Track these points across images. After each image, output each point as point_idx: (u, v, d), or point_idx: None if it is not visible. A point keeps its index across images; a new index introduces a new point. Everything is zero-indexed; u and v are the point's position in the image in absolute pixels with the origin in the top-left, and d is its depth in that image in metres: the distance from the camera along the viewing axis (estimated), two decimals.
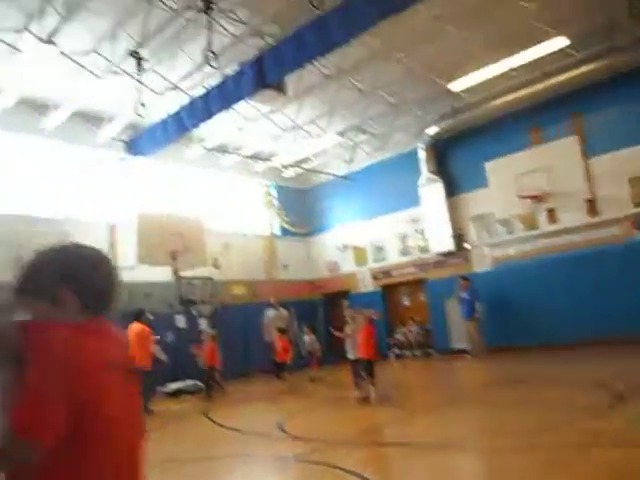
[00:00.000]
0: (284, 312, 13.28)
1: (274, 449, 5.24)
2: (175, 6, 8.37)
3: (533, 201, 11.80)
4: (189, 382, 11.71)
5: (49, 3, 8.10)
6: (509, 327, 13.03)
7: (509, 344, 12.86)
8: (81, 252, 1.52)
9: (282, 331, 11.86)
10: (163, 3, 8.44)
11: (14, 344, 1.26)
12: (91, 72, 10.21)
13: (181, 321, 13.27)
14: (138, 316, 9.08)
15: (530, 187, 11.72)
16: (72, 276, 1.48)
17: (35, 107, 11.75)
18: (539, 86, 12.27)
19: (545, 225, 13.03)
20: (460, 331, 13.67)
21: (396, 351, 15.16)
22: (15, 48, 9.31)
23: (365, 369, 7.61)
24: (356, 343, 7.84)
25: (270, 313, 13.29)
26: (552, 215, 12.82)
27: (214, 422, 7.58)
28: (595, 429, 4.67)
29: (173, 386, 11.59)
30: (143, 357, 8.38)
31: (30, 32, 8.78)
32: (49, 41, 8.20)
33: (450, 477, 4.00)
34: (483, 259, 14.21)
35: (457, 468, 4.22)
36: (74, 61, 10.04)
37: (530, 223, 13.28)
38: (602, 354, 9.93)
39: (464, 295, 13.10)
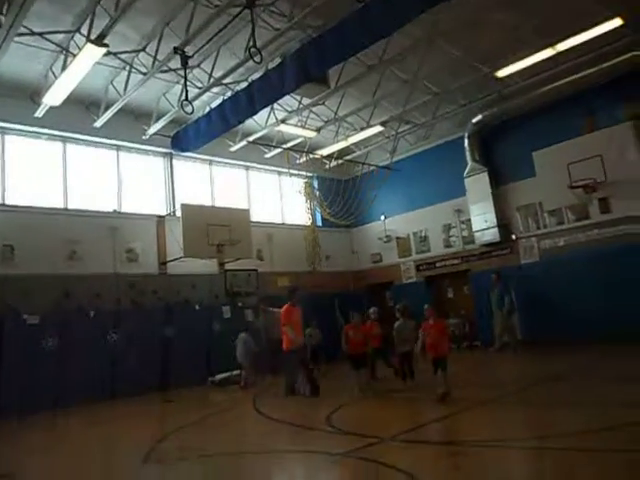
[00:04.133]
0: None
1: (323, 444, 5.28)
2: (219, 3, 8.43)
3: (585, 190, 11.37)
4: (235, 372, 11.92)
5: (99, 4, 8.31)
6: (556, 320, 12.66)
7: (556, 337, 12.53)
8: None
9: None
10: (207, 0, 8.52)
11: None
12: (138, 70, 10.47)
13: (227, 312, 13.53)
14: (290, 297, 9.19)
15: (582, 176, 11.29)
16: None
17: (84, 105, 12.16)
18: (591, 70, 11.79)
19: (597, 215, 12.56)
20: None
21: None
22: (66, 49, 9.66)
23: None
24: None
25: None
26: (605, 204, 12.33)
27: (262, 414, 7.72)
28: None
29: (219, 376, 11.85)
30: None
31: (80, 34, 9.08)
32: (99, 42, 8.40)
33: (505, 477, 3.94)
34: (530, 250, 13.84)
35: (508, 469, 4.15)
36: (122, 60, 10.34)
37: (581, 213, 12.82)
38: None
39: (496, 290, 12.94)
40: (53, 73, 10.40)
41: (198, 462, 5.13)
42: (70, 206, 12.15)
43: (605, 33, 10.12)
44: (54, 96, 10.30)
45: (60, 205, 12.03)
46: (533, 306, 13.04)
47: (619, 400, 5.97)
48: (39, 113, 11.12)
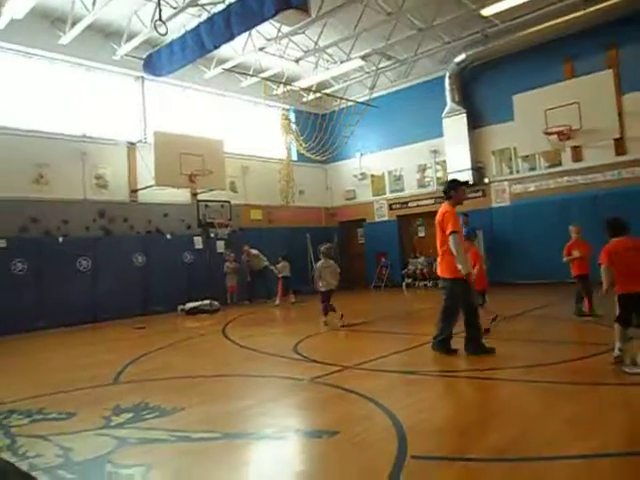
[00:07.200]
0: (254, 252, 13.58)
1: (289, 371, 5.51)
2: None
3: (560, 137, 11.45)
4: (205, 302, 12.12)
5: None
6: (523, 262, 13.12)
7: (522, 279, 13.03)
8: None
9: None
10: None
11: None
12: None
13: (199, 242, 13.55)
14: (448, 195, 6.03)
15: (558, 123, 11.33)
16: None
17: (49, 20, 11.47)
18: (577, 14, 11.60)
19: (569, 162, 12.77)
20: None
21: (407, 281, 15.47)
22: None
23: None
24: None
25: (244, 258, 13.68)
26: (577, 152, 12.52)
27: (232, 341, 7.94)
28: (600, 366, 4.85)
29: (190, 305, 12.02)
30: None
31: None
32: None
33: (455, 402, 4.26)
34: (502, 194, 14.08)
35: (461, 394, 4.49)
36: None
37: (553, 159, 13.01)
38: None
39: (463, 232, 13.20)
40: None
41: (167, 384, 5.31)
42: (37, 127, 11.70)
43: None
44: (15, 7, 9.67)
45: (26, 126, 11.56)
46: (502, 248, 13.40)
47: (570, 338, 6.38)
48: (0, 25, 10.46)
